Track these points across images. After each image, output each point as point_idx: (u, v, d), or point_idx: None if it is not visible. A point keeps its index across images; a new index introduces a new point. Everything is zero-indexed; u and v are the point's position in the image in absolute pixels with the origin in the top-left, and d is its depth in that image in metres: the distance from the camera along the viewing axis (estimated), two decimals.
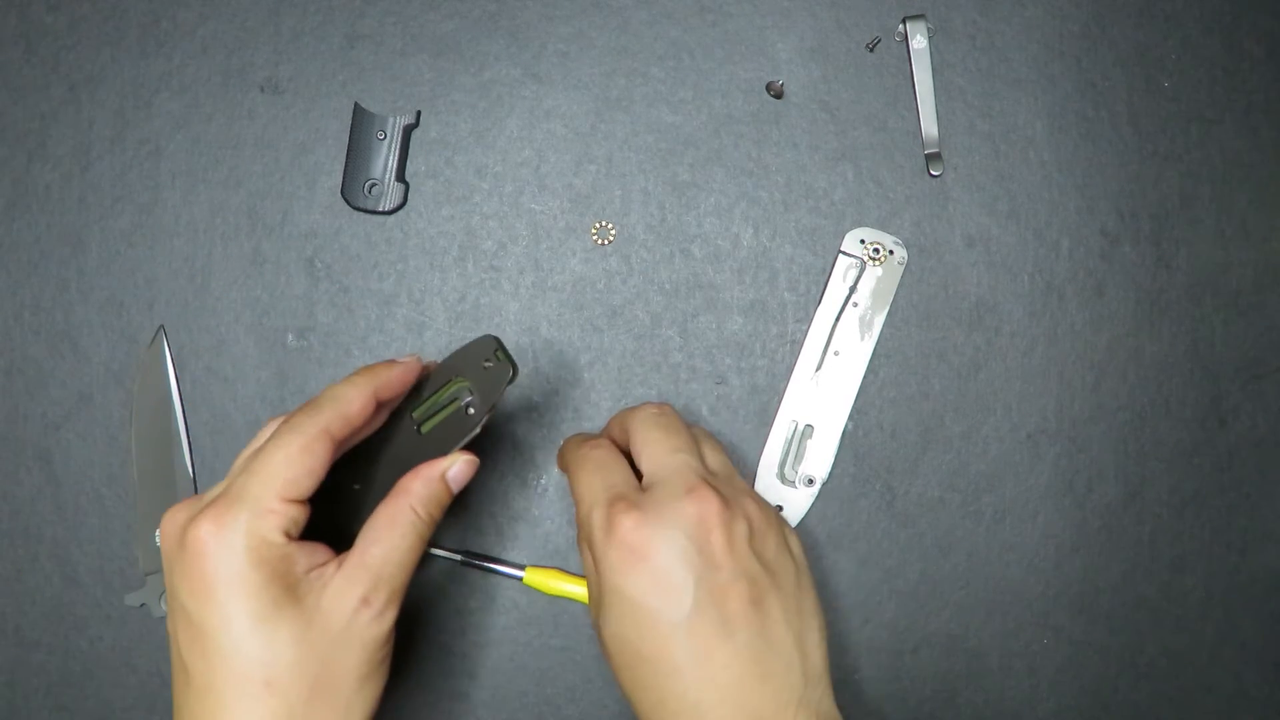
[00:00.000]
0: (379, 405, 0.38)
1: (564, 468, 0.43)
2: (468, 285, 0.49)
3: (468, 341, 0.41)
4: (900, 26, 0.50)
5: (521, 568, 0.48)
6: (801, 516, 0.48)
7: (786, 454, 0.48)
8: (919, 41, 0.50)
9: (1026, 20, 0.50)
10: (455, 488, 0.39)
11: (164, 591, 0.48)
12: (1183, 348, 0.50)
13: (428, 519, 0.37)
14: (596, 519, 0.37)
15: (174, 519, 0.35)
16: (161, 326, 0.49)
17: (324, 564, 0.35)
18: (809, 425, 0.49)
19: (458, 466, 0.38)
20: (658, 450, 0.39)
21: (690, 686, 0.35)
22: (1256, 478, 0.49)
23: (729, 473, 0.41)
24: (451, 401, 0.40)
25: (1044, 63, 0.50)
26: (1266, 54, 0.51)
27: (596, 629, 0.39)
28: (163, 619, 0.48)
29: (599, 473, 0.39)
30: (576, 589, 0.47)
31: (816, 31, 0.50)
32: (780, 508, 0.48)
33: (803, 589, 0.39)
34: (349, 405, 0.36)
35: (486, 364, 0.40)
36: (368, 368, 0.38)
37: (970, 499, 0.49)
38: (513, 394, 0.49)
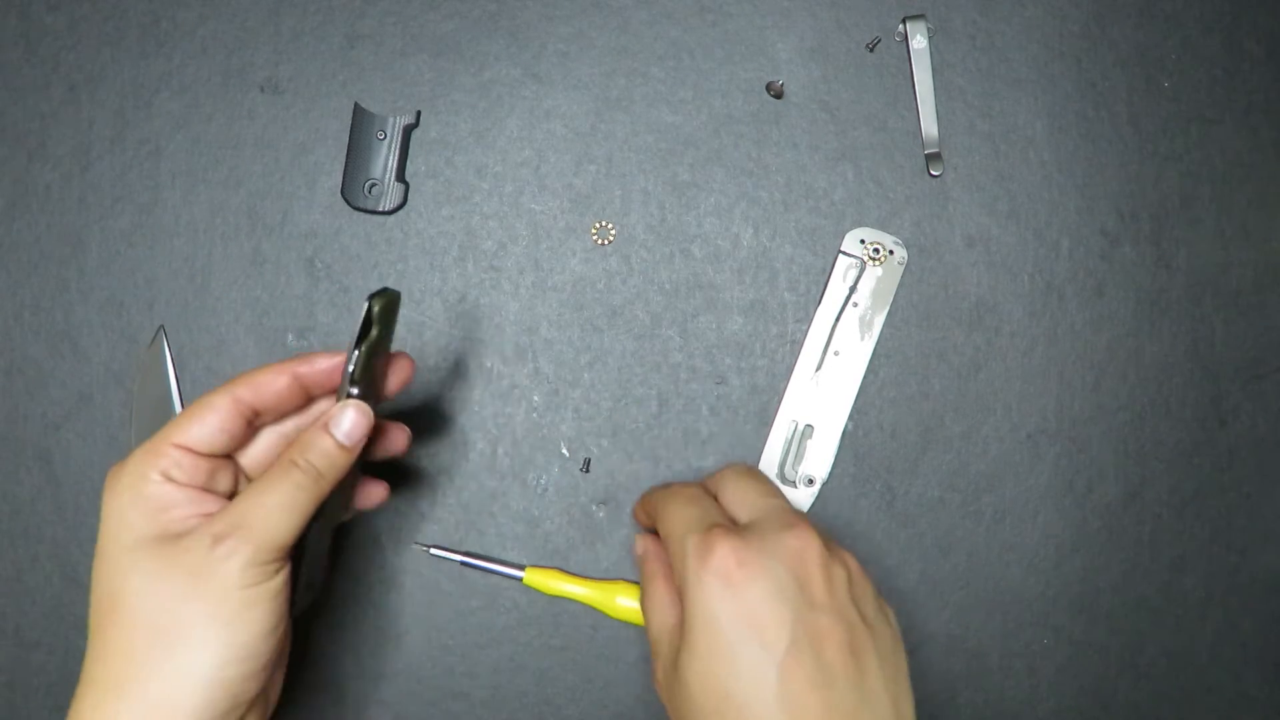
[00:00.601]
0: (306, 390, 0.38)
1: (648, 512, 0.42)
2: (468, 285, 0.49)
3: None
4: (900, 26, 0.50)
5: (521, 568, 0.48)
6: None
7: (786, 454, 0.48)
8: (919, 41, 0.50)
9: (1026, 20, 0.50)
10: (343, 438, 0.36)
11: None
12: (1183, 348, 0.50)
13: (306, 467, 0.36)
14: (691, 545, 0.36)
15: None
16: (161, 326, 0.49)
17: (210, 513, 0.35)
18: (809, 425, 0.49)
19: (344, 414, 0.37)
20: (751, 496, 0.39)
21: None
22: (1256, 478, 0.49)
23: (821, 531, 0.39)
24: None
25: (1044, 63, 0.50)
26: (1266, 54, 0.51)
27: (666, 666, 0.37)
28: None
29: (692, 504, 0.38)
30: (576, 589, 0.47)
31: (816, 31, 0.50)
32: None
33: (899, 655, 0.36)
34: (261, 373, 0.37)
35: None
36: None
37: (970, 499, 0.49)
38: (513, 394, 0.49)
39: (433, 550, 0.48)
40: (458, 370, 0.49)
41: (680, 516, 0.38)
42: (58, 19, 0.50)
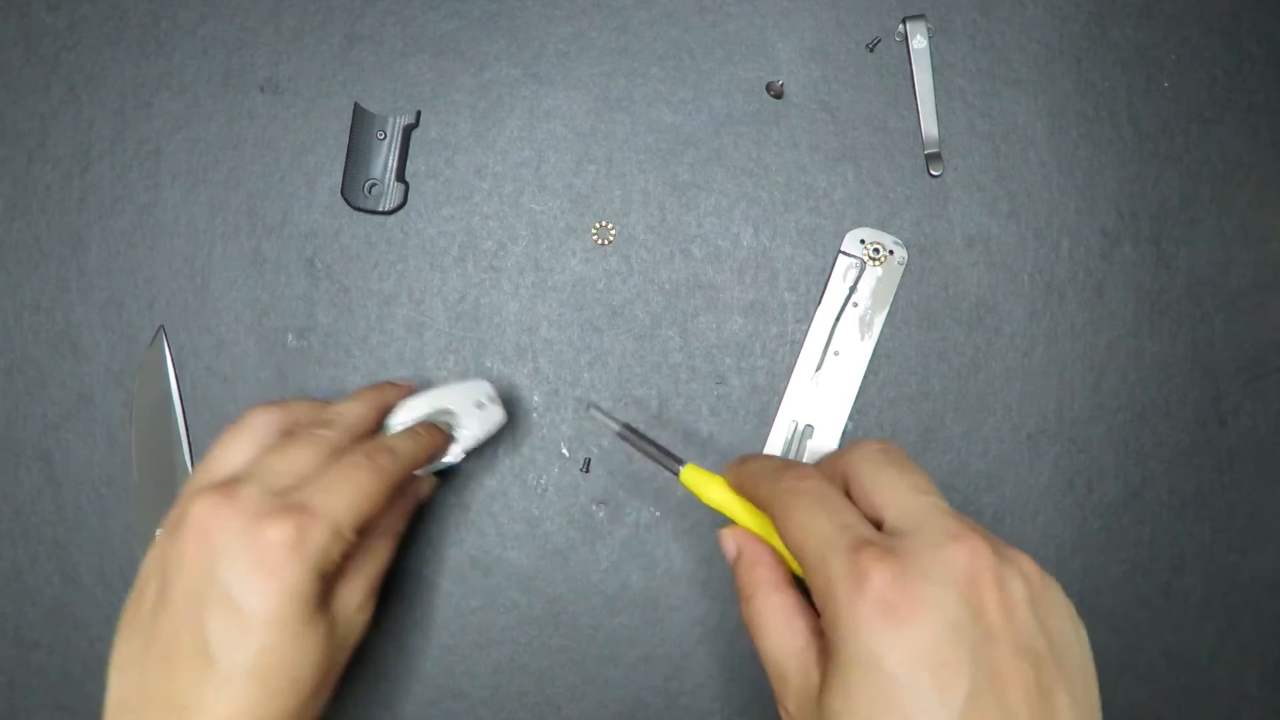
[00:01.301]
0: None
1: (748, 492, 0.36)
2: (468, 285, 0.49)
3: (462, 380, 0.45)
4: (900, 26, 0.50)
5: (681, 462, 0.40)
6: None
7: (786, 454, 0.48)
8: (919, 41, 0.50)
9: (1026, 20, 0.50)
10: (417, 502, 0.43)
11: None
12: (1183, 348, 0.50)
13: (403, 530, 0.42)
14: (838, 567, 0.29)
15: (227, 510, 0.35)
16: (161, 326, 0.49)
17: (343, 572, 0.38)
18: (809, 425, 0.49)
19: (428, 486, 0.44)
20: (898, 491, 0.32)
21: None
22: (1256, 478, 0.49)
23: (980, 529, 0.32)
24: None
25: (1044, 63, 0.50)
26: (1266, 54, 0.51)
27: (802, 700, 0.31)
28: None
29: (824, 510, 0.32)
30: (730, 502, 0.38)
31: (816, 31, 0.50)
32: None
33: (1091, 685, 0.30)
34: (413, 460, 0.40)
35: (480, 406, 0.44)
36: (428, 425, 0.42)
37: (970, 499, 0.49)
38: (513, 394, 0.49)
39: (592, 410, 0.41)
40: (458, 370, 0.49)
41: (814, 526, 0.31)
42: (58, 19, 0.50)
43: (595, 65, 0.50)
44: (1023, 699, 0.27)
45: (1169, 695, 0.49)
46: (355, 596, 0.38)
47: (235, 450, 0.38)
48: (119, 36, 0.50)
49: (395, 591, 0.48)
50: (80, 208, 0.49)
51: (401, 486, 0.40)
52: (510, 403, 0.49)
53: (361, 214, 0.49)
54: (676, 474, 0.39)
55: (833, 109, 0.50)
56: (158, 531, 0.37)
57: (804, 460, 0.48)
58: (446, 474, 0.48)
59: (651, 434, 0.49)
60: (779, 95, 0.50)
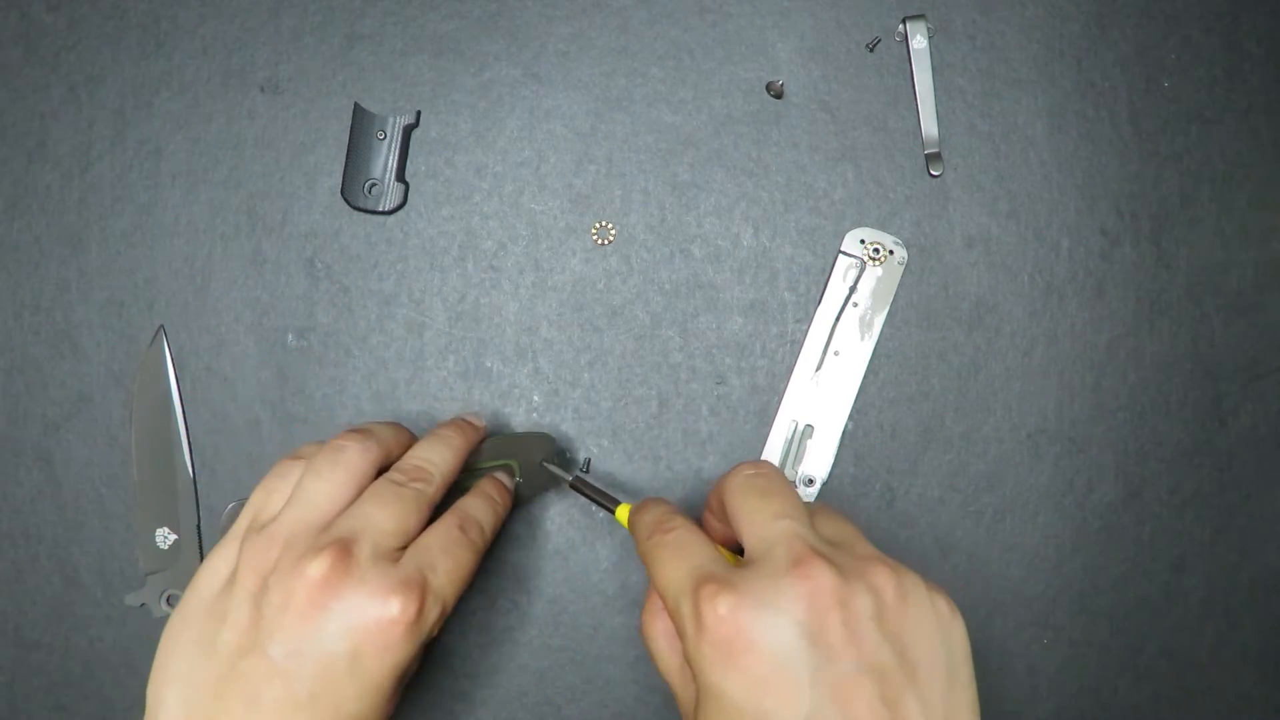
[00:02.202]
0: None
1: (640, 554, 0.38)
2: (468, 285, 0.49)
3: (527, 431, 0.48)
4: (900, 26, 0.50)
5: (616, 502, 0.43)
6: None
7: (786, 454, 0.48)
8: (919, 41, 0.50)
9: (1026, 20, 0.50)
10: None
11: (165, 591, 0.48)
12: (1183, 348, 0.50)
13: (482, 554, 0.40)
14: (685, 608, 0.31)
15: (347, 578, 0.34)
16: (161, 326, 0.49)
17: None
18: (809, 425, 0.49)
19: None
20: (756, 517, 0.34)
21: None
22: (1256, 478, 0.49)
23: (853, 540, 0.34)
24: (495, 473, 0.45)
25: (1044, 63, 0.50)
26: (1266, 54, 0.51)
27: (687, 716, 0.34)
28: (163, 619, 0.48)
29: (677, 556, 0.34)
30: None
31: (816, 31, 0.50)
32: None
33: (956, 684, 0.31)
34: (495, 532, 0.41)
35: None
36: (501, 489, 0.43)
37: (970, 499, 0.49)
38: (513, 394, 0.49)
39: (544, 465, 0.45)
40: (458, 370, 0.49)
41: (669, 576, 0.33)
42: (58, 19, 0.50)
43: (595, 65, 0.50)
44: (866, 710, 0.29)
45: (1169, 695, 0.49)
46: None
47: (332, 486, 0.37)
48: (119, 36, 0.50)
49: None
50: (80, 208, 0.49)
51: None
52: (510, 402, 0.49)
53: (361, 214, 0.49)
54: (612, 512, 0.42)
55: (833, 109, 0.50)
56: (237, 544, 0.36)
57: (803, 459, 0.48)
58: None
59: (651, 434, 0.49)
60: (779, 95, 0.50)
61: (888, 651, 0.30)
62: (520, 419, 0.49)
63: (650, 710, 0.48)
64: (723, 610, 0.30)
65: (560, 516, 0.49)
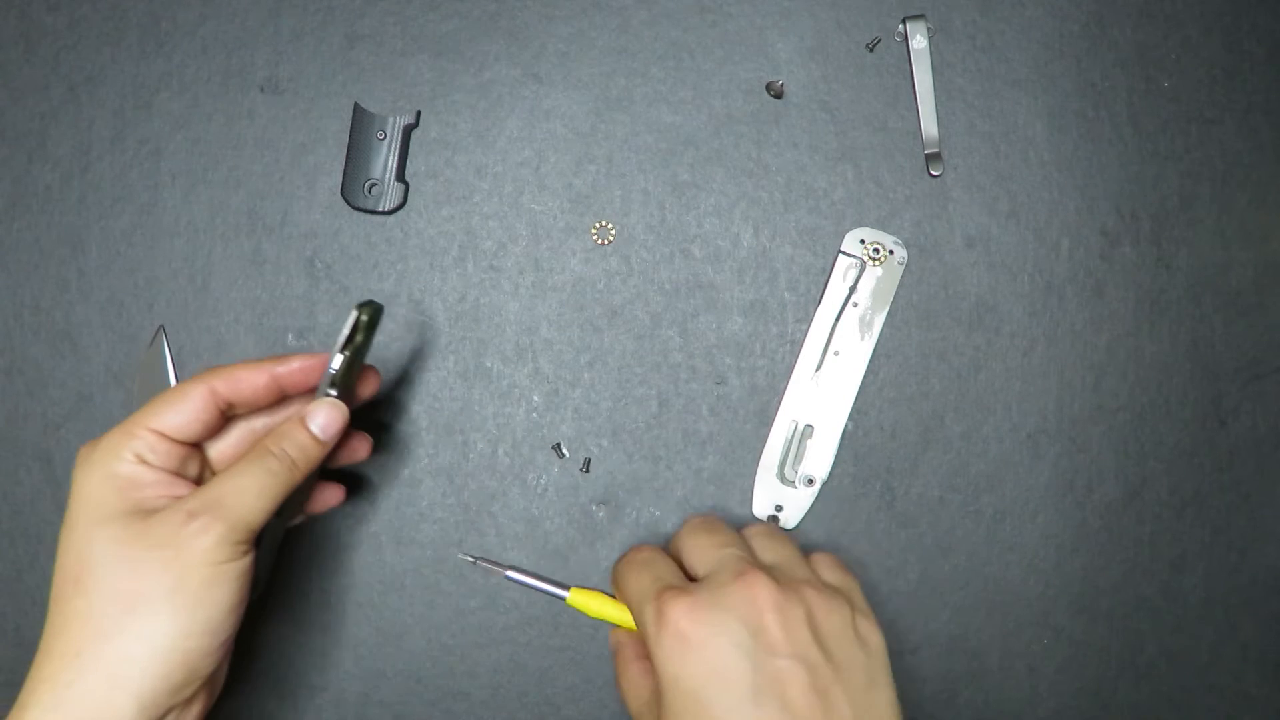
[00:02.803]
0: (281, 389, 0.39)
1: (614, 585, 0.43)
2: (468, 285, 0.49)
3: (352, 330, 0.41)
4: (900, 26, 0.50)
5: (566, 588, 0.46)
6: (801, 517, 0.48)
7: (786, 454, 0.48)
8: (919, 41, 0.50)
9: (1026, 20, 0.50)
10: (319, 431, 0.39)
11: None
12: (1183, 348, 0.50)
13: (281, 455, 0.38)
14: (648, 613, 0.37)
15: None
16: (161, 326, 0.49)
17: (179, 495, 0.37)
18: (809, 425, 0.49)
19: (321, 410, 0.39)
20: (703, 548, 0.40)
21: None
22: (1256, 478, 0.49)
23: (792, 563, 0.40)
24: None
25: (1044, 63, 0.50)
26: (1266, 54, 0.51)
27: None
28: None
29: (645, 569, 0.39)
30: (621, 613, 0.45)
31: (816, 31, 0.50)
32: (775, 516, 0.48)
33: (876, 685, 0.37)
34: (239, 369, 0.39)
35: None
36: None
37: (970, 499, 0.49)
38: (513, 394, 0.49)
39: (480, 562, 0.47)
40: (458, 370, 0.49)
41: (635, 585, 0.39)
42: (58, 19, 0.50)
43: (595, 65, 0.50)
44: (800, 698, 0.34)
45: (1169, 695, 0.49)
46: (179, 506, 0.37)
47: None
48: (119, 36, 0.50)
49: (395, 591, 0.48)
50: (80, 208, 0.49)
51: (236, 399, 0.39)
52: (510, 402, 0.49)
53: (361, 214, 0.49)
54: (564, 599, 0.46)
55: (833, 109, 0.50)
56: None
57: (803, 459, 0.48)
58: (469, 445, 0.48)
59: (651, 434, 0.49)
60: (779, 95, 0.50)
61: (817, 651, 0.35)
62: (520, 419, 0.49)
63: None
64: (681, 610, 0.36)
65: (560, 516, 0.49)
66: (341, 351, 0.39)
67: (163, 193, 0.50)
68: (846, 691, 0.35)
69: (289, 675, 0.48)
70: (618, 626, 0.45)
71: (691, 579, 0.40)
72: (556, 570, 0.48)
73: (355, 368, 0.40)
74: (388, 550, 0.48)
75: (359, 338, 0.39)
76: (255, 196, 0.49)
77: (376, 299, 0.43)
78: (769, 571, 0.37)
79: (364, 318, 0.39)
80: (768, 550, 0.41)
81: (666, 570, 0.39)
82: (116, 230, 0.49)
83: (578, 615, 0.48)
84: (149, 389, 0.49)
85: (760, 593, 0.36)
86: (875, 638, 0.38)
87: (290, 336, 0.49)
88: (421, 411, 0.49)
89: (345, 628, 0.48)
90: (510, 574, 0.47)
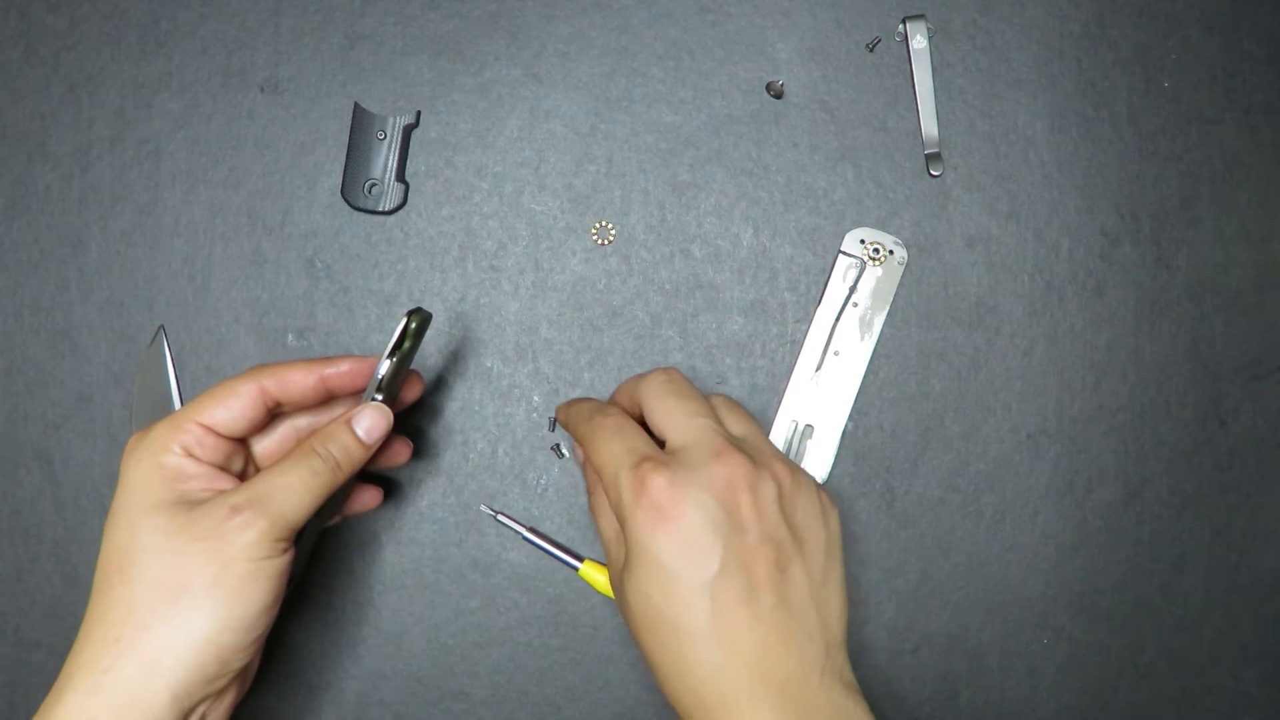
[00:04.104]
0: (328, 390, 0.40)
1: (571, 429, 0.43)
2: (468, 285, 0.49)
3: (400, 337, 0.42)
4: (900, 26, 0.50)
5: (580, 559, 0.48)
6: None
7: (786, 454, 0.48)
8: (919, 41, 0.50)
9: (1026, 20, 0.50)
10: (363, 435, 0.40)
11: None
12: (1183, 348, 0.50)
13: (326, 456, 0.38)
14: (625, 481, 0.37)
15: None
16: (161, 326, 0.49)
17: (223, 489, 0.37)
18: (809, 425, 0.49)
19: (367, 414, 0.40)
20: (676, 417, 0.39)
21: (712, 650, 0.35)
22: (1256, 478, 0.49)
23: (756, 437, 0.40)
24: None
25: (1044, 63, 0.50)
26: (1266, 54, 0.51)
27: (618, 592, 0.39)
28: None
29: (619, 437, 0.39)
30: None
31: (816, 31, 0.50)
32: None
33: (831, 559, 0.38)
34: (289, 369, 0.40)
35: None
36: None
37: (970, 499, 0.49)
38: (513, 394, 0.49)
39: (500, 516, 0.48)
40: (458, 370, 0.49)
41: (609, 452, 0.39)
42: (58, 19, 0.50)
43: (595, 65, 0.50)
44: (764, 574, 0.36)
45: (1169, 695, 0.49)
46: (222, 500, 0.38)
47: None
48: (119, 36, 0.50)
49: (395, 591, 0.48)
50: (80, 208, 0.49)
51: (284, 399, 0.40)
52: (510, 402, 0.49)
53: (361, 214, 0.49)
54: (576, 569, 0.48)
55: (833, 109, 0.50)
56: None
57: (803, 459, 0.48)
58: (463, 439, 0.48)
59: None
60: (779, 95, 0.50)
61: (784, 529, 0.37)
62: (520, 419, 0.49)
63: (650, 710, 0.48)
64: (660, 483, 0.36)
65: (559, 517, 0.49)
66: (389, 357, 0.40)
67: (163, 193, 0.50)
68: (805, 565, 0.37)
69: (289, 675, 0.48)
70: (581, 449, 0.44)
71: (659, 442, 0.40)
72: (557, 570, 0.48)
73: (401, 373, 0.41)
74: (388, 550, 0.48)
75: (407, 344, 0.40)
76: (255, 196, 0.49)
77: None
78: (743, 447, 0.38)
79: (413, 325, 0.40)
80: (734, 423, 0.41)
81: (640, 440, 0.39)
82: (116, 230, 0.49)
83: (578, 615, 0.48)
84: (149, 389, 0.49)
85: (737, 472, 0.37)
86: (834, 514, 0.40)
87: (290, 336, 0.49)
88: (422, 411, 0.49)
89: (345, 628, 0.48)
90: (528, 535, 0.48)
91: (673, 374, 0.42)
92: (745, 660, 0.35)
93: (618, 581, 0.39)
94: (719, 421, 0.40)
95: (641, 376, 0.42)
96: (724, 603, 0.35)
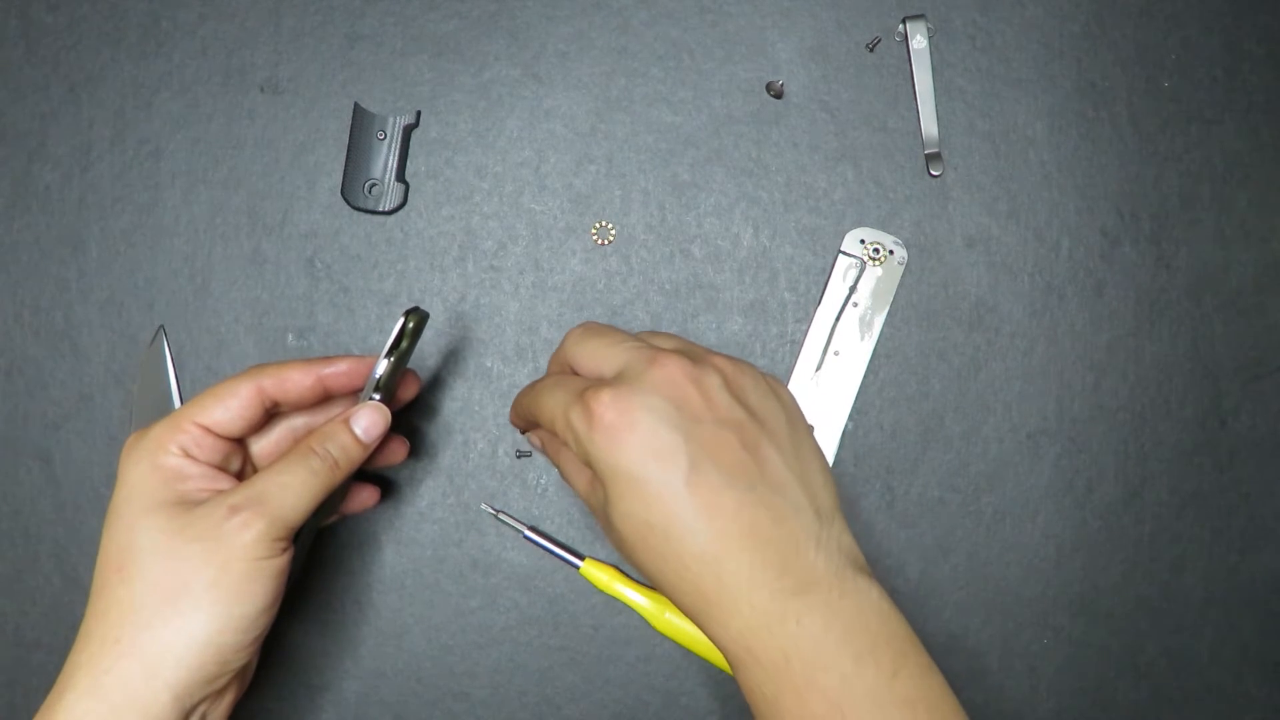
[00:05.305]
0: (326, 390, 0.40)
1: (521, 415, 0.43)
2: (468, 285, 0.49)
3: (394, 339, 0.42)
4: (900, 26, 0.50)
5: (581, 558, 0.48)
6: None
7: None
8: (919, 41, 0.50)
9: (1026, 20, 0.50)
10: (361, 434, 0.40)
11: None
12: (1183, 348, 0.50)
13: (324, 455, 0.39)
14: (575, 415, 0.36)
15: None
16: (161, 326, 0.49)
17: (222, 489, 0.38)
18: (809, 425, 0.49)
19: (365, 413, 0.40)
20: (603, 352, 0.39)
21: (706, 543, 0.35)
22: (1256, 478, 0.49)
23: (688, 345, 0.40)
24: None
25: (1044, 63, 0.50)
26: (1266, 54, 0.51)
27: (608, 532, 0.38)
28: None
29: (558, 385, 0.39)
30: (630, 593, 0.47)
31: (816, 31, 0.50)
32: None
33: (797, 431, 0.38)
34: (287, 368, 0.40)
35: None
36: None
37: (970, 499, 0.49)
38: (513, 394, 0.49)
39: (500, 515, 0.48)
40: (458, 370, 0.49)
41: (551, 400, 0.38)
42: (58, 19, 0.50)
43: (595, 65, 0.50)
44: (734, 457, 0.35)
45: (1169, 695, 0.49)
46: (221, 500, 0.38)
47: None
48: (119, 36, 0.50)
49: (395, 591, 0.48)
50: (80, 208, 0.49)
51: (282, 398, 0.40)
52: (510, 402, 0.49)
53: (361, 214, 0.49)
54: (577, 568, 0.48)
55: (833, 109, 0.50)
56: None
57: None
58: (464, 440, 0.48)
59: None
60: (779, 95, 0.50)
61: (739, 410, 0.36)
62: None
63: (650, 710, 0.48)
64: (605, 399, 0.35)
65: (559, 517, 0.49)
66: (387, 356, 0.40)
67: (163, 193, 0.50)
68: (773, 441, 0.37)
69: (289, 675, 0.48)
70: (536, 429, 0.44)
71: None
72: (557, 570, 0.48)
73: (398, 372, 0.41)
74: (388, 550, 0.48)
75: (404, 343, 0.40)
76: (255, 196, 0.49)
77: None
78: (675, 352, 0.38)
79: (410, 324, 0.40)
80: (663, 340, 0.40)
81: (578, 381, 0.39)
82: (116, 230, 0.49)
83: (578, 615, 0.48)
84: (149, 389, 0.49)
85: (675, 370, 0.36)
86: (784, 390, 0.39)
87: (290, 336, 0.49)
88: (421, 411, 0.49)
89: (345, 628, 0.48)
90: (528, 534, 0.48)
91: (588, 323, 0.42)
92: (740, 545, 0.35)
93: (605, 523, 0.38)
94: (647, 342, 0.39)
95: (563, 340, 0.42)
96: (703, 494, 0.35)
